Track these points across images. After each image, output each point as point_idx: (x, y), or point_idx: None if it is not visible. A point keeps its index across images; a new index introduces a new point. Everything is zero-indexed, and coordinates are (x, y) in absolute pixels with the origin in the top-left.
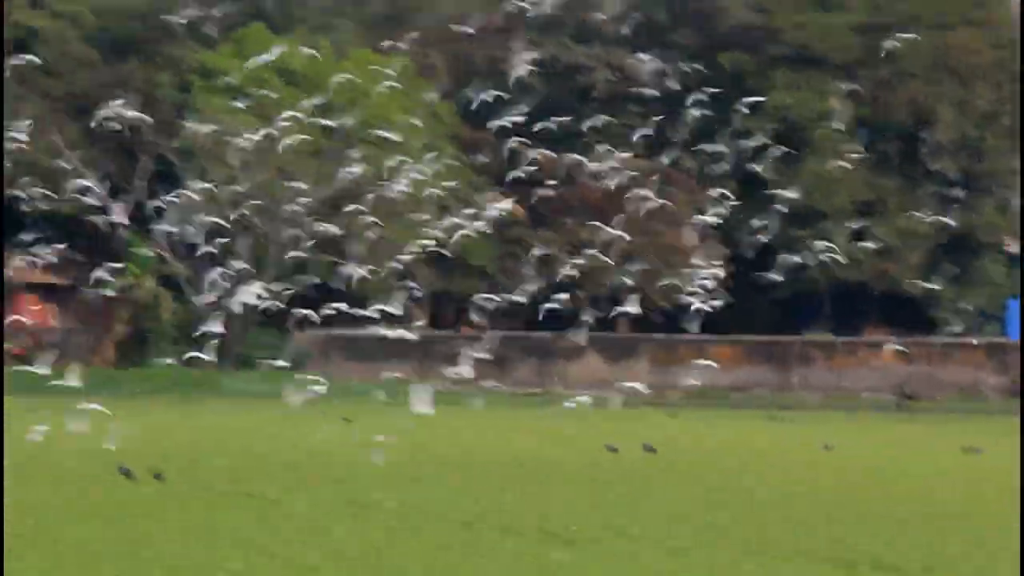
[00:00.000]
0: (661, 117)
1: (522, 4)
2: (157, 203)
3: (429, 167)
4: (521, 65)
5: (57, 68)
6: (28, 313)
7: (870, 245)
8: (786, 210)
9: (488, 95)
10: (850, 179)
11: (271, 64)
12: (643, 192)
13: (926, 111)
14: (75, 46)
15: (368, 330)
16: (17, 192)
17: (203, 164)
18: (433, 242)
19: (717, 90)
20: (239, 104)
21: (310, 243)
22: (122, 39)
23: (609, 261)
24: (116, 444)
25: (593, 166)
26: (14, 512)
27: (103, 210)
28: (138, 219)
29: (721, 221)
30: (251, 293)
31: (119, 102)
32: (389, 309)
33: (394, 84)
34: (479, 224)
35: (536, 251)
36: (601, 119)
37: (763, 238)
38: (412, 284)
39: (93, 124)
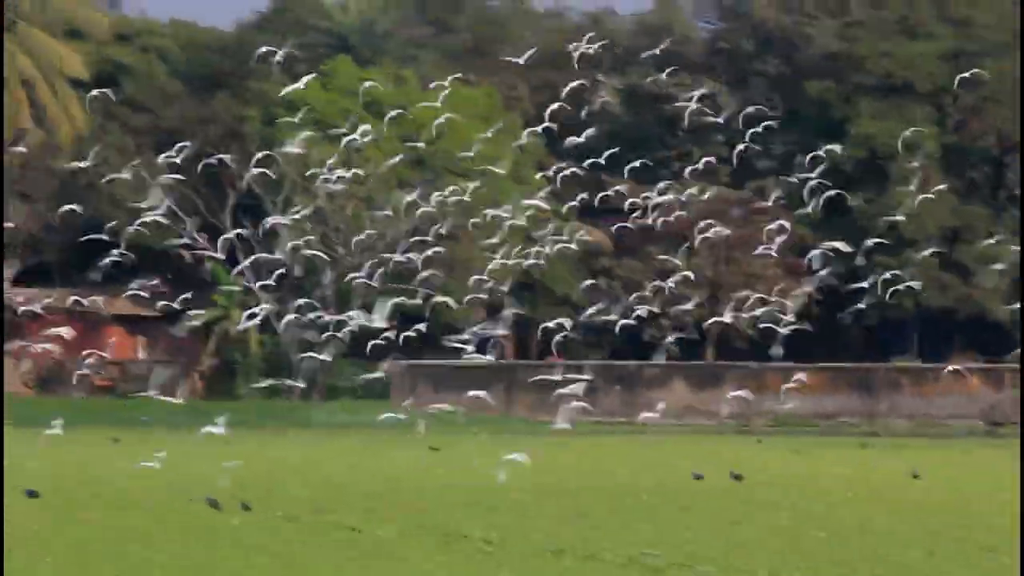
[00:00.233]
0: (746, 146)
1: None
2: (238, 231)
3: (518, 200)
4: (603, 94)
5: (144, 102)
6: (114, 345)
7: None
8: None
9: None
10: (936, 206)
11: (357, 96)
12: (718, 229)
13: (1012, 137)
14: (162, 80)
15: (453, 359)
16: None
17: (289, 196)
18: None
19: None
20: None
21: (396, 274)
22: (208, 73)
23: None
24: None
25: (670, 197)
26: (105, 540)
27: (190, 243)
28: (228, 253)
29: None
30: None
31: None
32: (466, 336)
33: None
34: (564, 245)
35: (621, 280)
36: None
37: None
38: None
39: (178, 159)
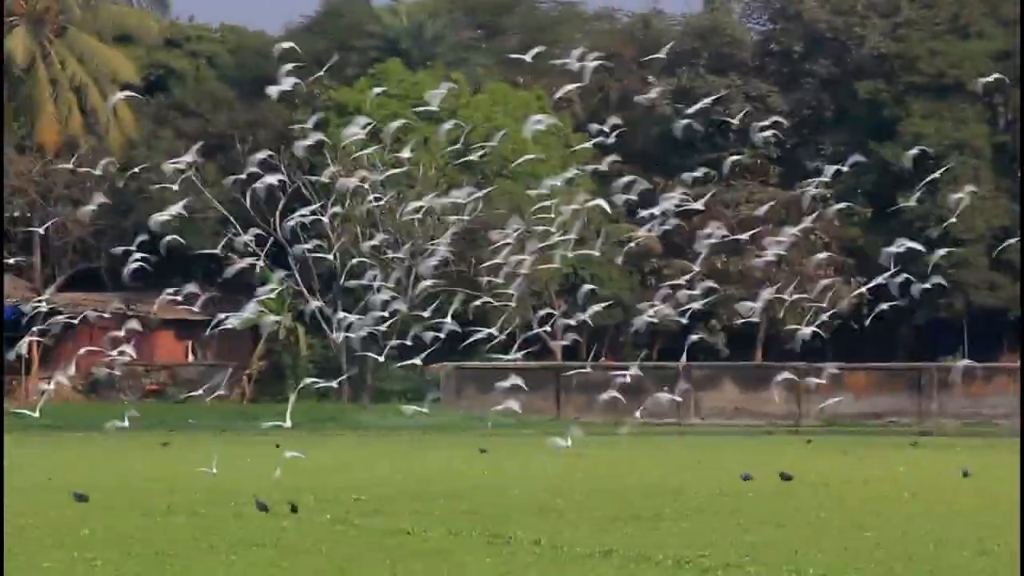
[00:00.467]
0: (795, 146)
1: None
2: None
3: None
4: (651, 94)
5: (194, 107)
6: (164, 349)
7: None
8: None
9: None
10: (988, 205)
11: (407, 99)
12: (772, 239)
13: None
14: (212, 85)
15: (502, 362)
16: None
17: (340, 201)
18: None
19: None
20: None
21: (445, 276)
22: (258, 78)
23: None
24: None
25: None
26: (153, 543)
27: (241, 248)
28: (275, 255)
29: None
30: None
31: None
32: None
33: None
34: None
35: (671, 281)
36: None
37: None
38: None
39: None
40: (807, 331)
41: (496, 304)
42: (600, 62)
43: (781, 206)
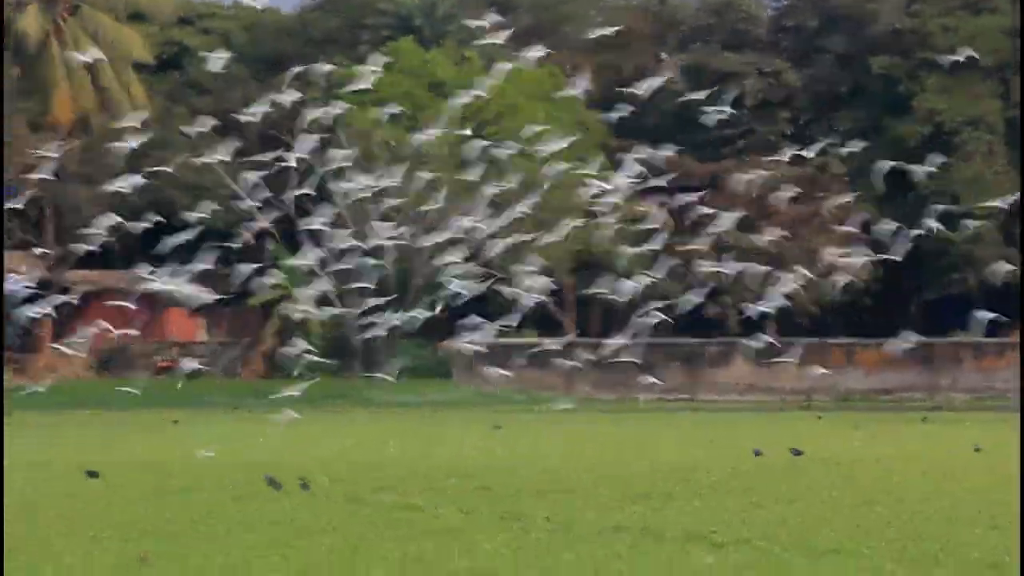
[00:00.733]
0: (808, 122)
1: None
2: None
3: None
4: (665, 72)
5: (207, 85)
6: (176, 327)
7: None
8: (935, 226)
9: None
10: (1001, 181)
11: (420, 78)
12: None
13: None
14: (225, 63)
15: (515, 339)
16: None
17: (353, 178)
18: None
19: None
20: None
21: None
22: (272, 55)
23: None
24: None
25: (739, 173)
26: (164, 520)
27: (253, 224)
28: (287, 233)
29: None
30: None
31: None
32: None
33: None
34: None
35: (681, 257)
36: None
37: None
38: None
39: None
40: (757, 309)
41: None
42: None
43: (794, 182)
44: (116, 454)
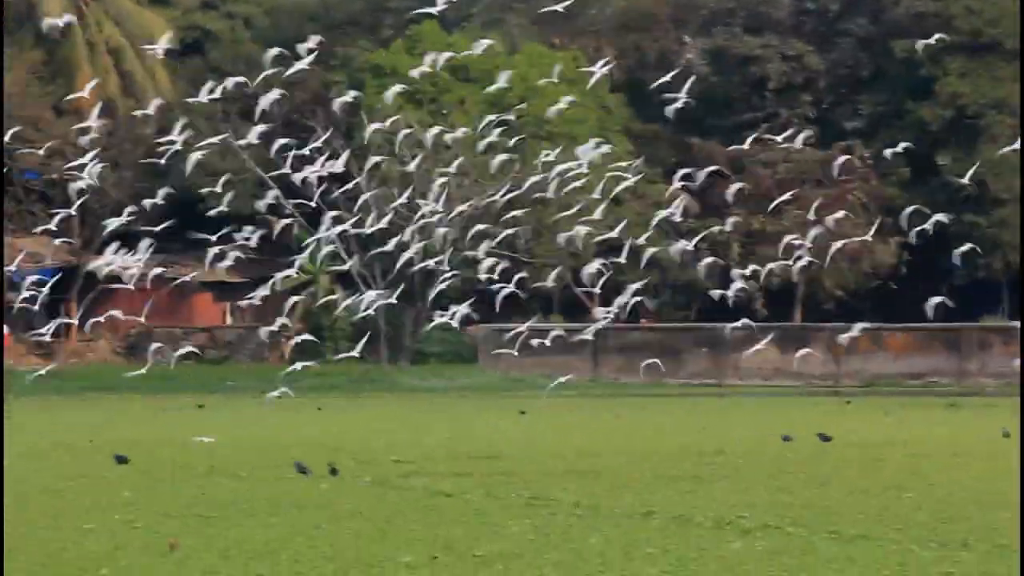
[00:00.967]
0: (831, 105)
1: None
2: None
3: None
4: (689, 56)
5: (230, 69)
6: (203, 312)
7: None
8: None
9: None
10: None
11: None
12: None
13: None
14: (247, 47)
15: (541, 323)
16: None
17: (376, 162)
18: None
19: None
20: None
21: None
22: (294, 39)
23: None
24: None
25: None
26: (194, 506)
27: (277, 209)
28: (312, 217)
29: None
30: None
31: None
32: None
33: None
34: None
35: (707, 241)
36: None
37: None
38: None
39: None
40: (729, 292)
41: (534, 264)
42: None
43: (818, 166)
44: (143, 438)
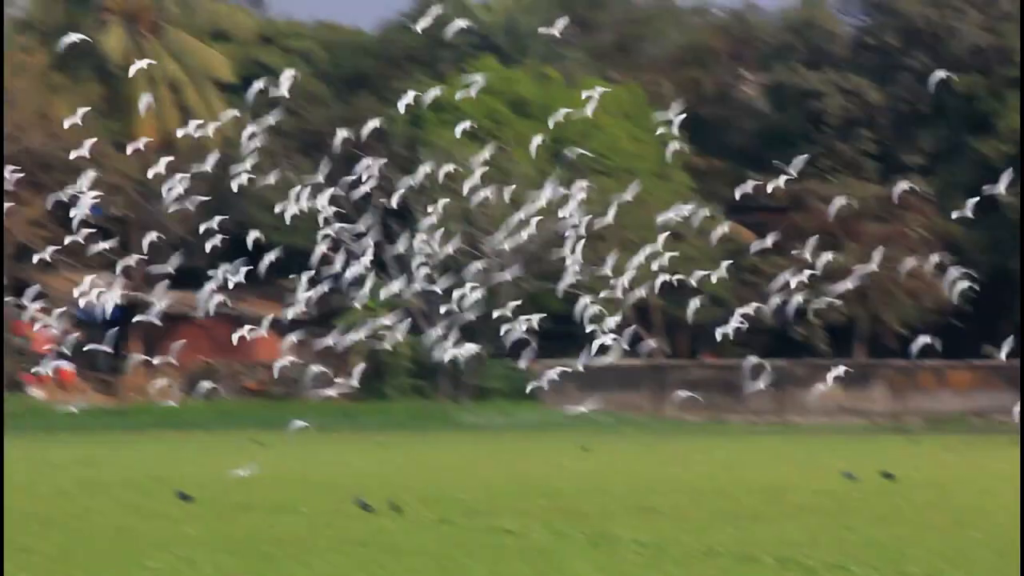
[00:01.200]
0: (892, 140)
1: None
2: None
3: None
4: (748, 91)
5: (289, 104)
6: (264, 348)
7: None
8: None
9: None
10: None
11: (502, 95)
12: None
13: None
14: (307, 82)
15: (601, 359)
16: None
17: (436, 197)
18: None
19: None
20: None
21: (541, 274)
22: (353, 74)
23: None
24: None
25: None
26: (258, 543)
27: (337, 244)
28: (373, 253)
29: None
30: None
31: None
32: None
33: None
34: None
35: (769, 278)
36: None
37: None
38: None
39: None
40: (729, 328)
41: (596, 301)
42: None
43: (877, 201)
44: (204, 474)
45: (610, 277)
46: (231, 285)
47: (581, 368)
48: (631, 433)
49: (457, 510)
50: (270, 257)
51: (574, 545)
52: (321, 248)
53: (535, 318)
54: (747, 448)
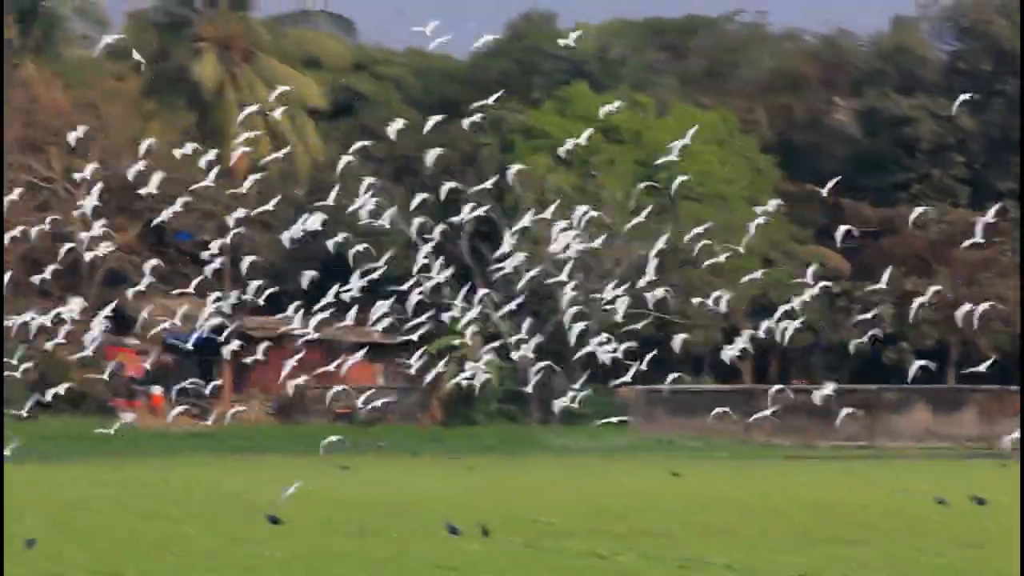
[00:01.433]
0: (984, 166)
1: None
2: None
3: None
4: (840, 116)
5: (380, 130)
6: (354, 372)
7: None
8: None
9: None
10: None
11: (592, 121)
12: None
13: None
14: (398, 108)
15: (691, 384)
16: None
17: (525, 223)
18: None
19: None
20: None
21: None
22: (444, 101)
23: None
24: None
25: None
26: (339, 569)
27: (428, 269)
28: (461, 277)
29: None
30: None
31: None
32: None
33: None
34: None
35: (860, 304)
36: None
37: None
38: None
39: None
40: (732, 351)
41: (685, 325)
42: None
43: (970, 227)
44: (293, 497)
45: (700, 302)
46: (325, 311)
47: (669, 392)
48: (720, 457)
49: (546, 534)
50: (358, 282)
51: (663, 569)
52: (411, 273)
53: (621, 345)
54: (836, 472)
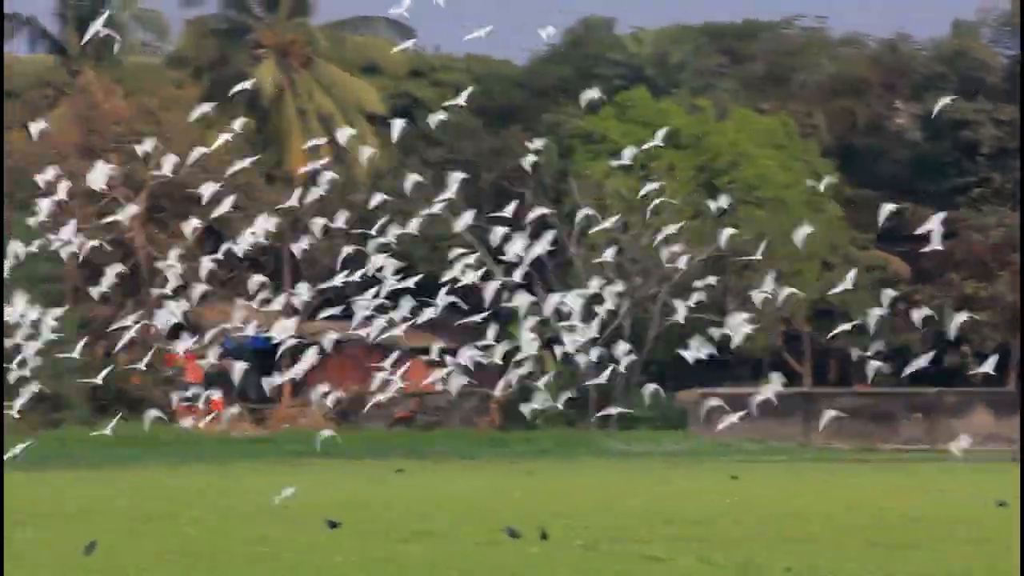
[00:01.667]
0: None
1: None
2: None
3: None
4: (900, 121)
5: (439, 136)
6: (415, 377)
7: None
8: None
9: None
10: None
11: (652, 126)
12: None
13: None
14: (457, 115)
15: (746, 388)
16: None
17: (584, 228)
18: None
19: None
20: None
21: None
22: (502, 107)
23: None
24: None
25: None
26: (406, 570)
27: (488, 274)
28: (525, 284)
29: None
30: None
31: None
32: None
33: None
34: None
35: (921, 306)
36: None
37: None
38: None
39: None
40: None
41: (746, 330)
42: None
43: None
44: (351, 501)
45: (761, 307)
46: (394, 316)
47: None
48: (780, 461)
49: (604, 537)
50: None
51: (722, 573)
52: (471, 279)
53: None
54: (897, 476)
